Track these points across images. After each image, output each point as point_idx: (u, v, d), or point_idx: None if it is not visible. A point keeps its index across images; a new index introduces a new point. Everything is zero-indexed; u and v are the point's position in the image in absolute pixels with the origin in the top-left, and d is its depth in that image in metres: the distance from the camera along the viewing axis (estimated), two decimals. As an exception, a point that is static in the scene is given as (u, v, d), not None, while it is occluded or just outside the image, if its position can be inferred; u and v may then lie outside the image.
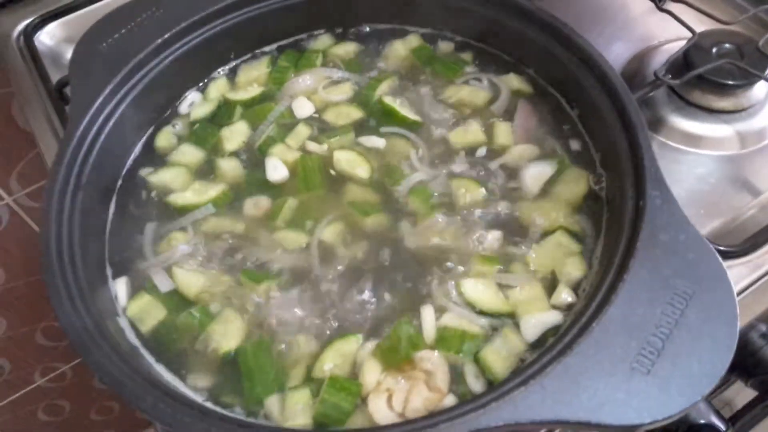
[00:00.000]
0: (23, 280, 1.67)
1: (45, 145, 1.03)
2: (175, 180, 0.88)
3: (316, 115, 0.95)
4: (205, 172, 0.90)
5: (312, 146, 0.91)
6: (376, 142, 0.91)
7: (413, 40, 1.01)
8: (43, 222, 0.71)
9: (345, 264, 0.79)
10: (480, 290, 0.74)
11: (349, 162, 0.88)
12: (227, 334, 0.74)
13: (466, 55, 0.99)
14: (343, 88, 0.98)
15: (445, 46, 1.01)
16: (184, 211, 0.85)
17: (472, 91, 0.95)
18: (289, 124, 0.94)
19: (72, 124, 0.79)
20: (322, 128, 0.94)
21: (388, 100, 0.93)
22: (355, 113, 0.94)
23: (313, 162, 0.88)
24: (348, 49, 1.02)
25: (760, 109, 1.00)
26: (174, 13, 0.89)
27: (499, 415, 0.56)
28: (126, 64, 0.84)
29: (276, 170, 0.88)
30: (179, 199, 0.86)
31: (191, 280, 0.78)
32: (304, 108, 0.95)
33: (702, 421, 0.80)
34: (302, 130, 0.92)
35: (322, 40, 1.04)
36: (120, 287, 0.78)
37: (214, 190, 0.86)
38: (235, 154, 0.91)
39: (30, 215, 1.58)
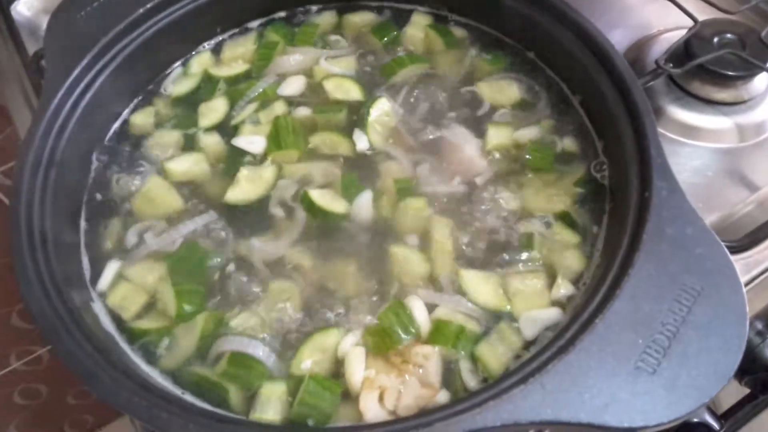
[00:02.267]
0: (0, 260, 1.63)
1: (20, 121, 0.99)
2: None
3: (302, 99, 0.91)
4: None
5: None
6: (362, 143, 0.85)
7: (422, 20, 0.98)
8: (13, 200, 0.67)
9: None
10: (480, 282, 0.71)
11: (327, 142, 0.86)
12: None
13: (460, 33, 0.96)
14: (347, 61, 0.94)
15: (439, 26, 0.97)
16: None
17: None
18: (271, 102, 0.90)
19: (46, 97, 0.75)
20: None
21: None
22: (355, 92, 0.90)
23: (288, 122, 0.85)
24: (363, 19, 0.99)
25: (760, 102, 0.98)
26: (157, -18, 0.85)
27: (498, 415, 0.53)
28: (105, 35, 0.80)
29: (252, 144, 0.85)
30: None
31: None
32: (291, 86, 0.92)
33: (696, 420, 0.79)
34: (278, 107, 0.89)
35: (323, 16, 1.00)
36: (106, 272, 0.75)
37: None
38: (211, 130, 0.88)
39: (6, 194, 1.53)
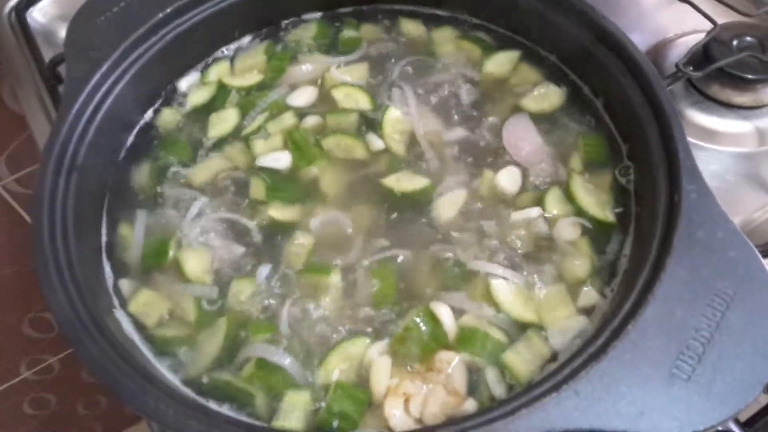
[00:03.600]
0: (11, 269, 1.63)
1: (37, 127, 0.98)
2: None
3: (312, 109, 0.90)
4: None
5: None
6: (377, 143, 0.85)
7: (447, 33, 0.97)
8: (35, 206, 0.66)
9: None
10: (511, 293, 0.70)
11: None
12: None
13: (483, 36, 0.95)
14: (359, 70, 0.93)
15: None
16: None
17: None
18: (281, 112, 0.89)
19: (67, 102, 0.75)
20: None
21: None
22: (364, 102, 0.89)
23: (302, 135, 0.85)
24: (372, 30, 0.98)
25: (780, 106, 0.97)
26: (176, -14, 0.85)
27: (530, 423, 0.52)
28: (125, 39, 0.80)
29: (279, 161, 0.84)
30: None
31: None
32: (301, 96, 0.91)
33: (720, 428, 0.77)
34: (287, 117, 0.88)
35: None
36: (123, 282, 0.75)
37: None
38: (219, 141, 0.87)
39: (18, 201, 1.53)
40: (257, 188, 0.81)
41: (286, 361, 0.67)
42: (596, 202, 0.77)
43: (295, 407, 0.65)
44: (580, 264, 0.73)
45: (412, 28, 0.97)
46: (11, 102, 1.34)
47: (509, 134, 0.85)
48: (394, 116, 0.86)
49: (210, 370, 0.68)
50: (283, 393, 0.66)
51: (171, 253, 0.76)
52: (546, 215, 0.76)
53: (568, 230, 0.75)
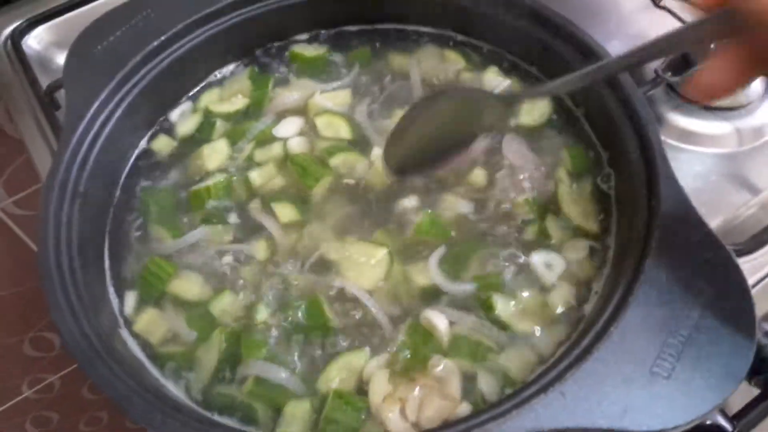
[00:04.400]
0: (10, 291, 1.64)
1: (35, 152, 1.00)
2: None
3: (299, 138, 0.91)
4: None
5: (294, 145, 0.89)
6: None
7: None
8: (40, 231, 0.68)
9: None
10: (510, 305, 0.73)
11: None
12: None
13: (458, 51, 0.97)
14: (342, 95, 0.94)
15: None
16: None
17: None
18: (269, 142, 0.90)
19: (67, 130, 0.77)
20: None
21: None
22: (344, 131, 0.90)
23: (305, 157, 0.86)
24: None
25: (758, 106, 0.99)
26: (168, 15, 0.87)
27: (521, 424, 0.55)
28: (122, 68, 0.82)
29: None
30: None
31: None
32: (286, 127, 0.91)
33: (709, 422, 0.79)
34: (276, 146, 0.89)
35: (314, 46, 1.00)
36: (128, 300, 0.77)
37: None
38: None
39: (17, 223, 1.55)
40: (284, 212, 0.82)
41: (283, 375, 0.69)
42: (582, 212, 0.79)
43: (296, 417, 0.67)
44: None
45: (398, 57, 0.99)
46: (8, 127, 1.36)
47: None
48: (377, 153, 0.87)
49: (212, 385, 0.70)
50: (284, 404, 0.68)
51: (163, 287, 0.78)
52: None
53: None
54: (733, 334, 0.58)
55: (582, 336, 0.61)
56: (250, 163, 0.88)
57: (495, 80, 0.93)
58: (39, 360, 1.87)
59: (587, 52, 0.82)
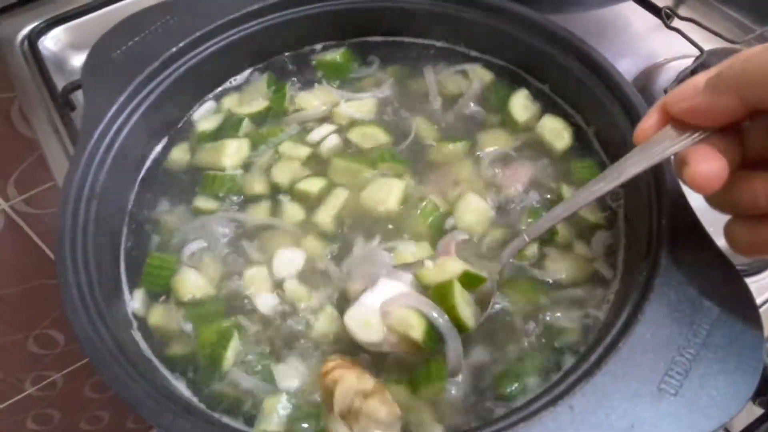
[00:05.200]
0: (17, 288, 1.65)
1: (50, 152, 1.01)
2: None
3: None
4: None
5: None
6: None
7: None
8: (58, 234, 0.69)
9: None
10: None
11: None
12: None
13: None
14: (367, 104, 0.95)
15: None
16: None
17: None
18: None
19: (84, 134, 0.78)
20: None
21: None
22: (382, 136, 0.91)
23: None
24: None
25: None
26: (187, 21, 0.88)
27: (528, 436, 0.55)
28: (140, 73, 0.83)
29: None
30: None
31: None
32: (321, 132, 0.92)
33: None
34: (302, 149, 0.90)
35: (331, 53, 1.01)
36: (136, 298, 0.78)
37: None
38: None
39: (26, 221, 1.55)
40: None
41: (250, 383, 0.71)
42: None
43: (274, 411, 0.68)
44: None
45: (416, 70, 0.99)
46: (20, 125, 1.37)
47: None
48: None
49: (209, 383, 0.72)
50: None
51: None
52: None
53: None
54: (740, 353, 0.59)
55: (591, 350, 0.61)
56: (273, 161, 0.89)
57: (522, 103, 0.92)
58: (43, 357, 1.87)
59: (599, 71, 0.83)
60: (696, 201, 0.91)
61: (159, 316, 0.76)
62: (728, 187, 0.55)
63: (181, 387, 0.70)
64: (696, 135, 0.56)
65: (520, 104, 0.91)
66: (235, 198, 0.86)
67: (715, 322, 0.60)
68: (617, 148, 0.80)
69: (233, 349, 0.72)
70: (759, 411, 0.89)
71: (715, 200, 0.59)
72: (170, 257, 0.80)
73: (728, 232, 0.60)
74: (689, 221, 0.67)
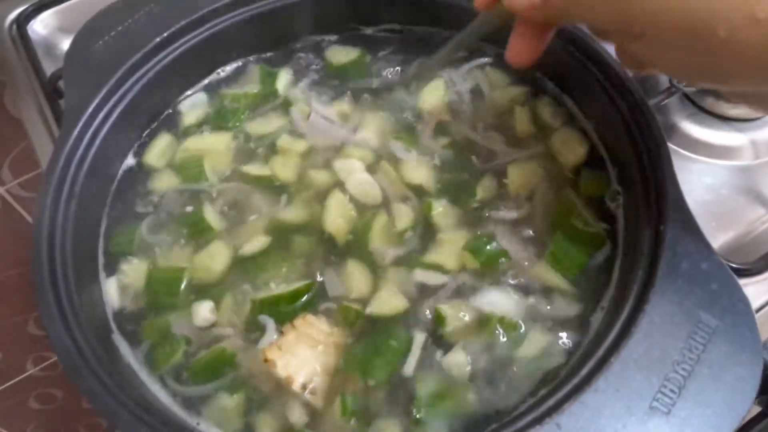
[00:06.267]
0: (15, 270, 1.65)
1: (36, 138, 1.00)
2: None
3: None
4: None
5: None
6: None
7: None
8: (35, 231, 0.68)
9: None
10: None
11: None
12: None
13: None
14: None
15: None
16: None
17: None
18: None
19: (66, 128, 0.75)
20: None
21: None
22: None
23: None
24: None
25: (774, 118, 0.97)
26: (172, 10, 0.86)
27: (513, 456, 0.54)
28: (123, 64, 0.80)
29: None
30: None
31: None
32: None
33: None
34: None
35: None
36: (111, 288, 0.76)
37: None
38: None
39: (21, 204, 1.55)
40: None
41: None
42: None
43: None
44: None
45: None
46: (14, 110, 1.35)
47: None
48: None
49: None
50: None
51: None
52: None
53: None
54: (737, 369, 0.57)
55: (581, 365, 0.59)
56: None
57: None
58: (43, 339, 1.87)
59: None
60: (698, 195, 0.90)
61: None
62: None
63: (162, 395, 0.68)
64: None
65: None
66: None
67: (712, 337, 0.58)
68: (616, 145, 0.78)
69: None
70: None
71: None
72: None
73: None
74: (689, 230, 0.64)
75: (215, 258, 0.76)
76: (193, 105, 0.92)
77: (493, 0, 0.68)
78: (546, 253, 0.75)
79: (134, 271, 0.77)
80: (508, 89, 0.91)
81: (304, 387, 0.66)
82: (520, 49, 0.66)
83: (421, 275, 0.74)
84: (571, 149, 0.83)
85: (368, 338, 0.70)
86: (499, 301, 0.72)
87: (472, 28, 0.75)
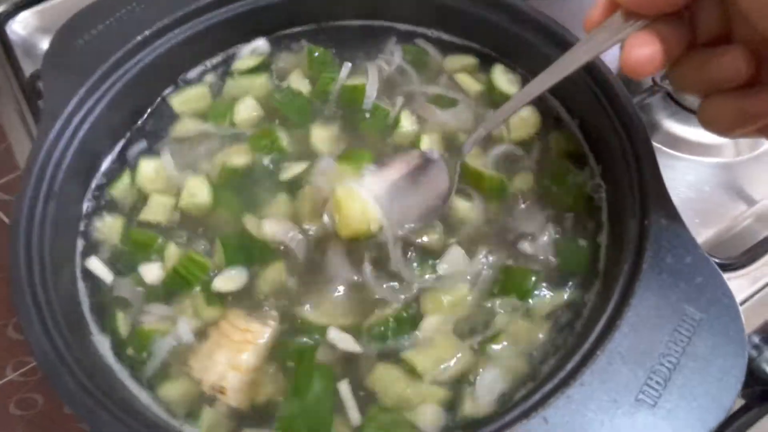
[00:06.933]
0: (-5, 275, 1.62)
1: (15, 140, 0.99)
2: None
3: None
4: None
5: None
6: None
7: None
8: (12, 234, 0.66)
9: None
10: None
11: None
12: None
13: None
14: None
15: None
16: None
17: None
18: None
19: (43, 128, 0.74)
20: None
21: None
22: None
23: None
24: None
25: (756, 115, 0.98)
26: (155, 8, 0.84)
27: (500, 450, 0.54)
28: (104, 62, 0.79)
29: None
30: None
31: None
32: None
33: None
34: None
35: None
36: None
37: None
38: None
39: (2, 209, 1.53)
40: None
41: None
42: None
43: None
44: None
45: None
46: (-6, 111, 1.33)
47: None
48: None
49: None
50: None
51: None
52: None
53: None
54: (722, 361, 0.57)
55: (567, 359, 0.59)
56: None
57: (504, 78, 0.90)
58: (23, 343, 1.84)
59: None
60: (681, 192, 0.90)
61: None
62: (701, 65, 0.56)
63: (142, 396, 0.67)
64: (640, 23, 0.56)
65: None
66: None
67: (697, 330, 0.58)
68: (600, 142, 0.78)
69: None
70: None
71: (688, 81, 0.58)
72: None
73: (708, 111, 0.59)
74: (674, 224, 0.65)
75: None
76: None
77: (607, 11, 0.58)
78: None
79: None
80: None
81: (213, 387, 0.67)
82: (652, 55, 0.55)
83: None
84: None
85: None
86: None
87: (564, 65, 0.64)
